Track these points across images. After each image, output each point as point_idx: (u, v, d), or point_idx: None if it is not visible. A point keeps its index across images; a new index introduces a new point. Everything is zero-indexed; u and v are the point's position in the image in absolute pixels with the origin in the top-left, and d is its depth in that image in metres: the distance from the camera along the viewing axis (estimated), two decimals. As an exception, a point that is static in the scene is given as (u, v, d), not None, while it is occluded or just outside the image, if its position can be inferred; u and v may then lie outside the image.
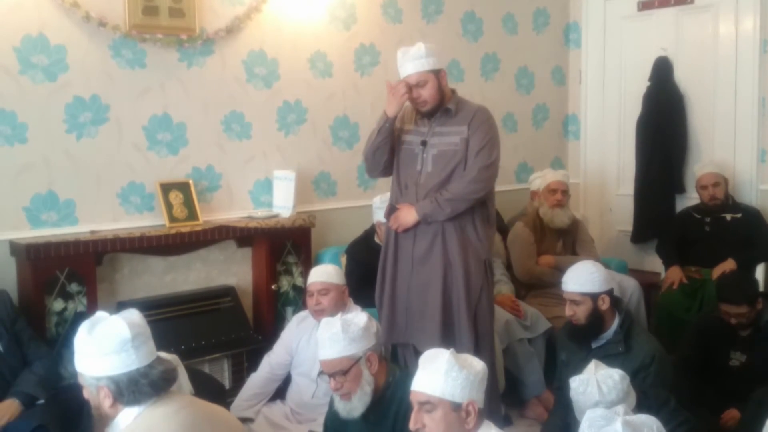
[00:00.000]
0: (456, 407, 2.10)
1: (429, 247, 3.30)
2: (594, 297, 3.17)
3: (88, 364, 1.95)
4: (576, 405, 2.53)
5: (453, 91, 3.38)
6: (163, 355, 2.49)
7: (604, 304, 3.18)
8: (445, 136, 3.30)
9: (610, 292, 3.22)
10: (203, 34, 3.93)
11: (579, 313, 3.19)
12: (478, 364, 2.18)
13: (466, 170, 3.26)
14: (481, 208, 3.35)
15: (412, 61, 3.22)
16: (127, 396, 1.93)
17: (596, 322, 3.19)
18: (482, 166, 3.25)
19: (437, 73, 3.25)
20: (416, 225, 3.30)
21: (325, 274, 3.53)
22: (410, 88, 3.23)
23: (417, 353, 3.33)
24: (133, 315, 2.04)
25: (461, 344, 3.26)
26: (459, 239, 3.28)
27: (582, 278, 3.19)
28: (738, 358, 3.52)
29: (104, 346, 1.92)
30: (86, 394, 2.02)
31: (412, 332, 3.37)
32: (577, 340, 3.24)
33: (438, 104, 3.28)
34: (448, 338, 3.28)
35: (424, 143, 3.31)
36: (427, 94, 3.23)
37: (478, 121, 3.29)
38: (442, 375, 2.09)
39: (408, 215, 3.28)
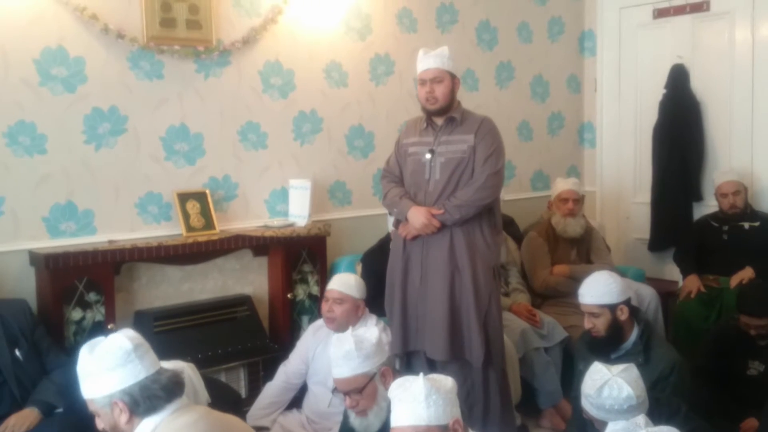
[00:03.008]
0: (444, 430, 2.08)
1: (438, 254, 3.33)
2: (612, 308, 3.14)
3: (96, 385, 1.97)
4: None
5: (459, 102, 3.45)
6: (168, 364, 2.50)
7: (623, 315, 3.15)
8: (452, 144, 3.36)
9: (628, 302, 3.19)
10: (220, 45, 3.96)
11: (598, 325, 3.16)
12: (448, 381, 2.17)
13: (474, 177, 3.32)
14: (488, 214, 3.40)
15: (434, 58, 3.33)
16: (143, 405, 1.94)
17: (616, 333, 3.16)
18: (490, 173, 3.30)
19: (453, 78, 3.35)
20: (426, 232, 3.31)
21: (346, 284, 3.54)
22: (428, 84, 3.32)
23: (428, 361, 3.37)
24: (129, 331, 2.06)
25: (471, 351, 3.29)
26: (467, 245, 3.32)
27: (599, 290, 3.17)
28: (756, 368, 3.50)
29: (109, 362, 1.94)
30: (100, 423, 2.01)
31: (423, 339, 3.38)
32: (597, 351, 3.19)
33: (446, 106, 3.35)
34: (457, 345, 3.31)
35: (432, 152, 3.36)
36: (440, 92, 3.31)
37: (485, 130, 3.37)
38: (422, 402, 2.05)
39: (418, 216, 3.30)
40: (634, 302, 4.53)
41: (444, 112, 3.37)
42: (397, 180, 3.53)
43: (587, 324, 3.21)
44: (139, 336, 2.04)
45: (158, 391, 1.96)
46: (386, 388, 2.63)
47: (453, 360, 3.31)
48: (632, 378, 2.46)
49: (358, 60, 4.58)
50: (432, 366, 3.32)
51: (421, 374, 2.14)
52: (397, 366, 3.31)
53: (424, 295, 3.36)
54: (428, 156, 3.36)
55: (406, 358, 3.48)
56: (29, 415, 2.93)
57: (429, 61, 3.33)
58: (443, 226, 3.31)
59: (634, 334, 3.18)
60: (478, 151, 3.33)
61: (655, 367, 3.05)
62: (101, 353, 1.96)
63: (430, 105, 3.35)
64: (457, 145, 3.35)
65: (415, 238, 3.37)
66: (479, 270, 3.32)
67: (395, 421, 2.12)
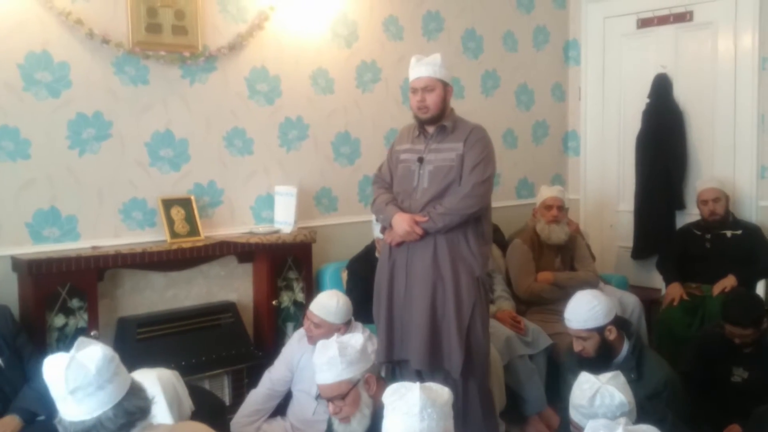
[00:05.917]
0: None
1: (421, 262, 3.32)
2: (600, 330, 3.11)
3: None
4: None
5: (452, 110, 3.43)
6: (152, 372, 2.43)
7: (612, 335, 3.13)
8: (441, 153, 3.33)
9: (615, 321, 3.15)
10: (206, 51, 3.95)
11: (588, 348, 3.14)
12: (444, 393, 2.14)
13: (461, 186, 3.29)
14: (475, 224, 3.36)
15: (426, 66, 3.30)
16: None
17: (606, 352, 3.13)
18: (477, 182, 3.27)
19: (445, 86, 3.33)
20: (410, 239, 3.30)
21: (325, 309, 3.45)
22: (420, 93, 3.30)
23: (416, 370, 3.35)
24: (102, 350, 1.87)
25: (450, 361, 3.26)
26: (450, 254, 3.29)
27: (584, 315, 3.13)
28: (740, 375, 3.51)
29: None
30: None
31: (406, 348, 3.36)
32: (588, 369, 3.15)
33: (438, 115, 3.32)
34: (437, 355, 3.28)
35: (420, 160, 3.35)
36: (431, 100, 3.29)
37: (474, 138, 3.34)
38: (416, 415, 2.03)
39: (401, 222, 3.28)
40: (616, 310, 4.61)
41: (436, 120, 3.34)
42: (388, 186, 3.51)
43: (576, 347, 3.18)
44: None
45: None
46: (370, 396, 2.64)
47: (437, 370, 3.30)
48: (621, 384, 2.45)
49: (345, 67, 4.58)
50: (419, 375, 3.30)
51: (418, 384, 2.11)
52: (383, 373, 3.30)
53: (409, 304, 3.35)
54: (416, 164, 3.35)
55: (391, 367, 3.48)
56: (10, 422, 2.90)
57: (420, 69, 3.30)
58: (427, 234, 3.28)
59: (624, 349, 3.16)
60: (467, 160, 3.30)
61: (647, 382, 3.02)
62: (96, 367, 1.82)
63: (421, 114, 3.32)
64: (445, 153, 3.32)
65: (399, 244, 3.36)
66: (462, 280, 3.29)
67: (387, 429, 2.10)
